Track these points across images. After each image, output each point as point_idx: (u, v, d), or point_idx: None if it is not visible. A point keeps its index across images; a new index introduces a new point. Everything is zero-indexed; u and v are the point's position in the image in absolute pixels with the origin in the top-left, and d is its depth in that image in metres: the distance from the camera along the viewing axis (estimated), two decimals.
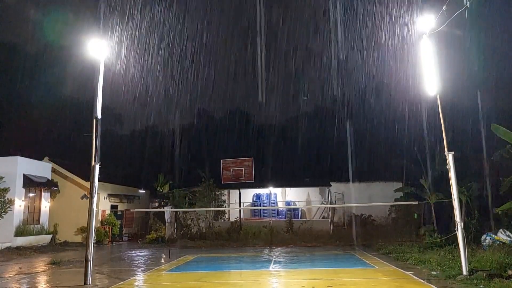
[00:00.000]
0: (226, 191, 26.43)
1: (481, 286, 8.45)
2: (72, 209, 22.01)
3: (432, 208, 18.64)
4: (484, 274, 9.04)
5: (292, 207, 25.97)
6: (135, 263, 14.35)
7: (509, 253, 11.36)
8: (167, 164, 30.90)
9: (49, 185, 21.59)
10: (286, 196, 27.64)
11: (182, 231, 22.94)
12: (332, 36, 34.68)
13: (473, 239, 14.78)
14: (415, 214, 20.03)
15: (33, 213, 20.73)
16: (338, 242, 20.27)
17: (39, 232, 20.47)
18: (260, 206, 26.58)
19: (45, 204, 21.63)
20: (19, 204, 19.49)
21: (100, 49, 10.81)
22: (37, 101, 30.69)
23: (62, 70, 32.40)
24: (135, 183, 28.77)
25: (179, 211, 23.07)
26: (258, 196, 27.36)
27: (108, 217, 23.88)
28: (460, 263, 9.65)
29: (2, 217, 17.99)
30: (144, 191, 28.96)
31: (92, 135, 10.27)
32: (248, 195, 27.16)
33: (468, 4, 9.05)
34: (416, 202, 16.40)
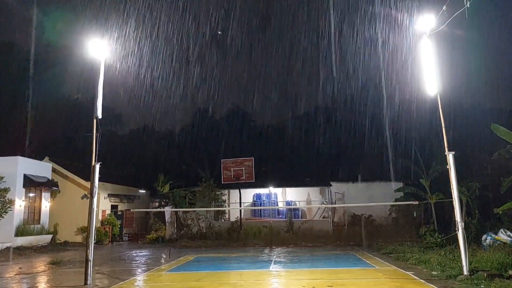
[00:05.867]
0: (226, 191, 26.43)
1: (482, 286, 8.45)
2: (72, 209, 22.00)
3: (433, 208, 18.64)
4: (485, 274, 9.03)
5: (292, 207, 25.97)
6: (135, 263, 14.34)
7: (509, 253, 11.35)
8: (168, 164, 30.90)
9: (49, 185, 21.58)
10: (286, 196, 27.63)
11: (182, 231, 22.94)
12: (332, 36, 34.70)
13: (473, 239, 14.78)
14: (414, 213, 20.04)
15: (33, 213, 20.72)
16: (338, 242, 20.27)
17: (39, 232, 20.45)
18: (261, 206, 26.58)
19: (45, 204, 21.62)
20: (20, 204, 19.48)
21: (100, 49, 10.81)
22: (37, 101, 30.68)
23: (62, 70, 32.42)
24: (136, 183, 28.77)
25: (179, 211, 23.07)
26: (258, 196, 27.35)
27: (108, 217, 23.87)
28: (461, 263, 9.64)
29: (3, 217, 17.98)
30: (144, 191, 28.95)
31: (92, 135, 10.27)
32: (248, 195, 27.15)
33: (468, 4, 9.04)
34: (417, 202, 16.39)
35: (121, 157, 31.67)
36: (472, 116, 20.88)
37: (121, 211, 25.82)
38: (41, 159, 22.91)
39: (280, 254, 16.48)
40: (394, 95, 28.77)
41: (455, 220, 9.98)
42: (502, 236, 13.58)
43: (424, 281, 9.31)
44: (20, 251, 17.63)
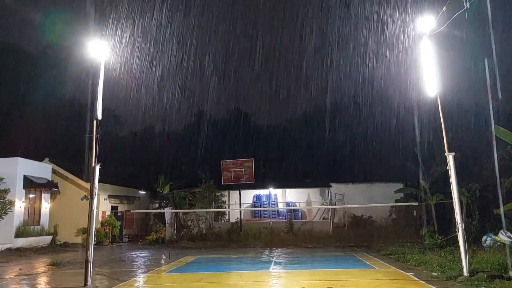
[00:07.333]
0: (226, 192, 26.43)
1: (482, 287, 8.44)
2: (72, 210, 21.97)
3: (433, 209, 18.61)
4: (485, 275, 9.02)
5: (292, 208, 25.96)
6: (135, 264, 14.33)
7: (510, 254, 11.33)
8: (167, 165, 30.90)
9: (49, 186, 21.58)
10: (286, 197, 27.62)
11: (182, 232, 22.93)
12: (332, 36, 34.73)
13: (473, 240, 14.75)
14: (414, 212, 20.02)
15: (33, 214, 20.72)
16: (338, 243, 20.24)
17: (39, 233, 20.45)
18: (260, 207, 26.57)
19: (45, 205, 21.62)
20: (19, 205, 19.48)
21: (100, 50, 10.82)
22: (37, 102, 30.71)
23: (62, 71, 32.46)
24: (136, 184, 28.76)
25: (179, 212, 23.06)
26: (258, 197, 27.34)
27: (108, 218, 23.86)
28: (461, 264, 9.64)
29: (3, 218, 17.98)
30: (144, 192, 28.94)
31: (92, 136, 10.27)
32: (248, 196, 27.14)
33: (468, 5, 9.05)
34: (417, 203, 16.39)
35: (121, 158, 31.68)
36: (472, 117, 20.85)
37: (121, 212, 25.82)
38: (41, 160, 22.90)
39: (280, 255, 16.47)
40: (394, 96, 28.78)
41: (455, 221, 9.97)
42: (502, 237, 13.53)
43: (424, 282, 9.30)
44: (20, 252, 17.64)
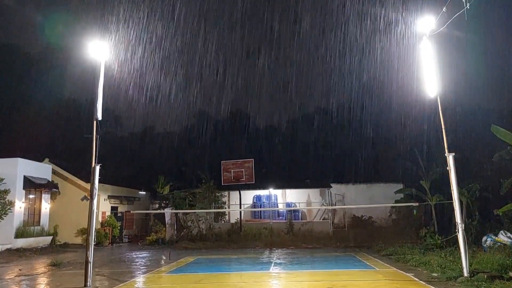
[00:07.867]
0: (226, 193, 26.43)
1: (482, 287, 8.44)
2: (72, 211, 21.96)
3: (433, 209, 18.61)
4: (485, 276, 9.01)
5: (292, 208, 25.95)
6: (135, 265, 14.33)
7: (510, 254, 11.34)
8: (168, 166, 30.90)
9: (49, 187, 21.57)
10: (286, 198, 27.61)
11: (182, 233, 22.92)
12: (332, 38, 34.76)
13: (473, 241, 14.76)
14: (415, 211, 20.01)
15: (33, 215, 20.72)
16: (338, 243, 20.23)
17: (39, 234, 20.45)
18: (261, 207, 26.56)
19: (45, 205, 21.61)
20: (20, 206, 19.48)
21: (100, 51, 10.82)
22: (38, 102, 30.72)
23: (63, 72, 32.47)
24: (136, 185, 28.75)
25: (179, 212, 23.06)
26: (258, 198, 27.33)
27: (108, 219, 23.85)
28: (461, 264, 9.63)
29: (3, 219, 17.98)
30: (144, 192, 28.93)
31: (92, 137, 10.27)
32: (248, 196, 27.13)
33: (468, 5, 9.05)
34: (417, 204, 16.38)
35: (121, 158, 31.66)
36: (472, 118, 20.88)
37: (121, 212, 25.80)
38: (41, 160, 22.90)
39: (280, 255, 16.46)
40: (394, 97, 28.79)
41: (455, 222, 9.96)
42: (502, 237, 13.57)
43: (424, 283, 9.29)
44: (20, 252, 17.63)
